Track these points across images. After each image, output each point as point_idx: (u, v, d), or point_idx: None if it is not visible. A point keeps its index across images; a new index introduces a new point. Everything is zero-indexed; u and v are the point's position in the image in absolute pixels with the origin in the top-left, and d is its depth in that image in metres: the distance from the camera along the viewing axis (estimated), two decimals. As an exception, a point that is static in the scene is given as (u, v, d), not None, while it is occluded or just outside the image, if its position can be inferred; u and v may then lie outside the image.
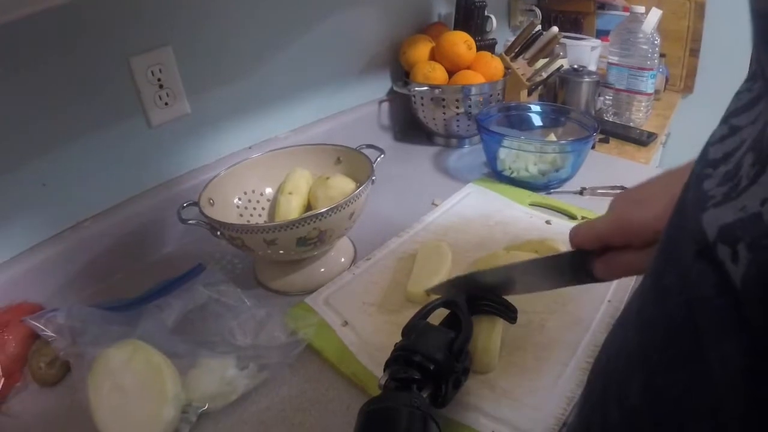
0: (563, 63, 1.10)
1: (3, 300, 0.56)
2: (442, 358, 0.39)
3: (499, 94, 0.92)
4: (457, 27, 1.00)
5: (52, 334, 0.49)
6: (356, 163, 0.64)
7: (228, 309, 0.53)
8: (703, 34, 1.31)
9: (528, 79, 0.98)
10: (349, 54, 0.91)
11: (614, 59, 1.11)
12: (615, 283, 0.55)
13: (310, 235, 0.52)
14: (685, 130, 1.31)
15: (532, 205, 0.73)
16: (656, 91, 1.20)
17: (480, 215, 0.71)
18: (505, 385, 0.45)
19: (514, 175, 0.79)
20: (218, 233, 0.54)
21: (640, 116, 1.13)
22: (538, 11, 1.21)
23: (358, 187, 0.55)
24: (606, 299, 0.53)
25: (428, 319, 0.45)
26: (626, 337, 0.24)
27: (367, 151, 0.64)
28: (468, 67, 0.91)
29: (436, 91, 0.89)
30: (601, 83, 1.10)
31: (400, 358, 0.40)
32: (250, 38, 0.74)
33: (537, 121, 0.88)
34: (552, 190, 0.78)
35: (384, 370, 0.40)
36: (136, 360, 0.45)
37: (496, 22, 1.04)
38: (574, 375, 0.45)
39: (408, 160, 0.93)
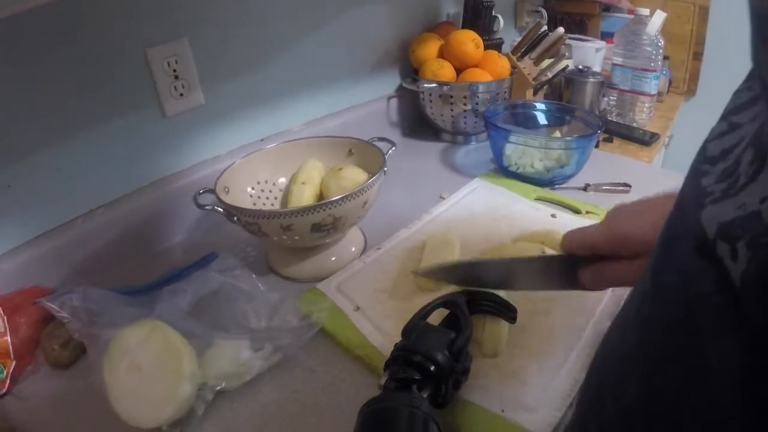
0: (568, 63, 1.12)
1: (14, 285, 0.57)
2: (442, 359, 0.39)
3: (505, 92, 0.94)
4: (465, 26, 1.01)
5: (67, 316, 0.49)
6: (368, 154, 0.65)
7: (242, 293, 0.54)
8: (706, 38, 1.33)
9: (534, 79, 0.99)
10: (361, 51, 0.93)
11: (618, 60, 1.13)
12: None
13: (324, 222, 0.53)
14: (688, 133, 1.32)
15: (538, 199, 0.75)
16: (659, 93, 1.22)
17: (487, 209, 0.72)
18: (512, 368, 0.46)
19: (520, 171, 0.81)
20: (235, 218, 0.55)
21: (643, 117, 1.14)
22: (544, 12, 1.22)
23: (371, 178, 0.56)
24: (610, 288, 0.54)
25: (428, 320, 0.45)
26: (625, 334, 0.24)
27: (379, 144, 0.66)
28: (476, 66, 0.93)
29: (445, 88, 0.90)
30: (606, 84, 1.11)
31: (400, 359, 0.40)
32: (264, 33, 0.76)
33: (542, 119, 0.90)
34: (557, 186, 0.80)
35: (384, 371, 0.40)
36: (154, 339, 0.46)
37: (503, 22, 1.05)
38: (579, 359, 0.46)
39: (416, 155, 0.94)
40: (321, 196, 0.66)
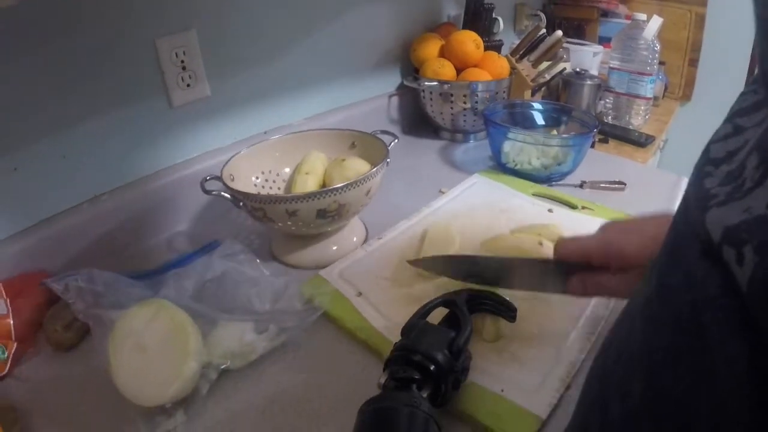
0: (566, 66, 1.14)
1: (17, 268, 0.57)
2: (442, 358, 0.39)
3: (504, 92, 0.95)
4: (465, 28, 1.03)
5: (72, 296, 0.49)
6: (370, 147, 0.66)
7: (246, 278, 0.55)
8: (702, 44, 1.36)
9: (532, 80, 1.01)
10: (363, 50, 0.95)
11: (615, 64, 1.15)
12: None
13: (329, 208, 0.54)
14: (682, 137, 1.35)
15: (535, 195, 0.76)
16: (655, 98, 1.24)
17: (485, 202, 0.74)
18: (512, 351, 0.47)
19: (518, 167, 0.82)
20: (241, 204, 0.56)
21: (638, 120, 1.16)
22: (543, 16, 1.25)
23: (374, 167, 0.58)
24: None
25: (427, 319, 0.45)
26: (629, 336, 0.24)
27: (381, 136, 0.67)
28: (475, 65, 0.95)
29: (445, 86, 0.92)
30: (603, 87, 1.13)
31: (400, 358, 0.40)
32: (270, 28, 0.77)
33: (540, 119, 0.92)
34: (554, 183, 0.81)
35: (383, 370, 0.40)
36: (160, 318, 0.46)
37: (503, 24, 1.07)
38: (576, 344, 0.48)
39: (415, 152, 0.96)
40: (324, 187, 0.67)
